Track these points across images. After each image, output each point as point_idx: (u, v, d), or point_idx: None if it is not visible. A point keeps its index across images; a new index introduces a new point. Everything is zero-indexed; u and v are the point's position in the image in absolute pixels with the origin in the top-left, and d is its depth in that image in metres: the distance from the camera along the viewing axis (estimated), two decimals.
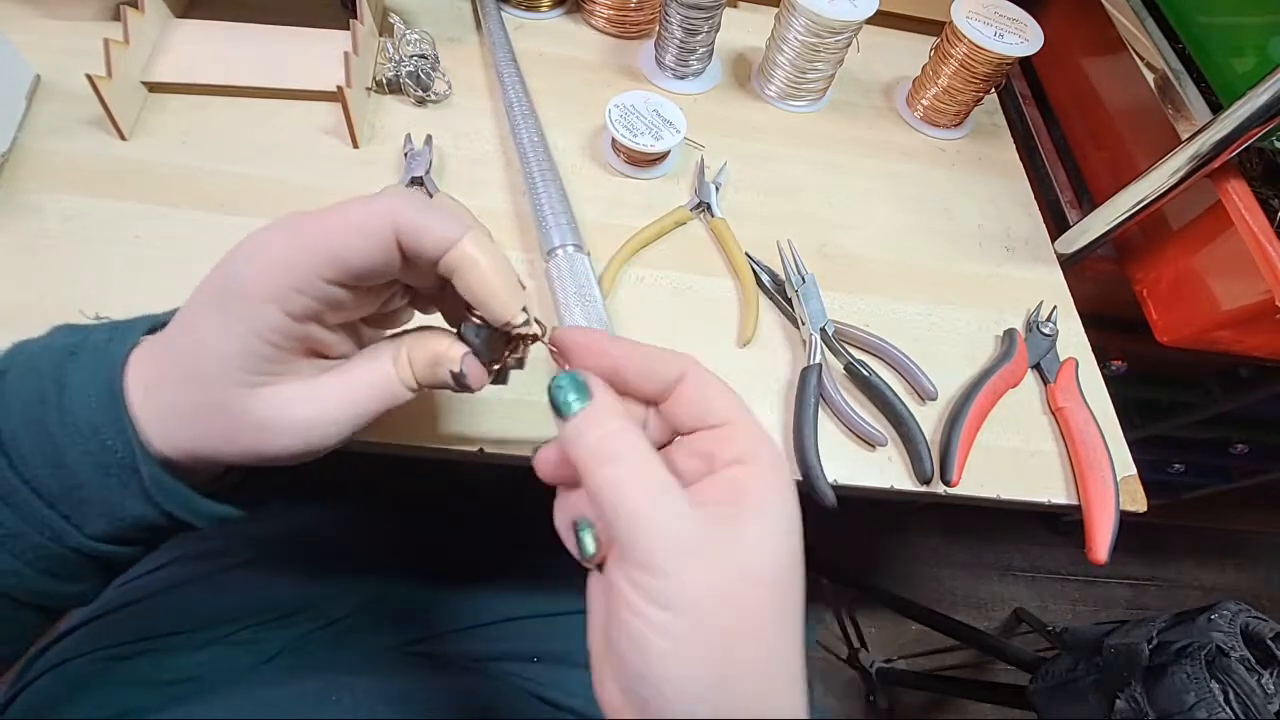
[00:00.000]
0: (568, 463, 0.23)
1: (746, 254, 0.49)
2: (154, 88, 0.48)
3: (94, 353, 0.25)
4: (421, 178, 0.47)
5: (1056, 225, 0.60)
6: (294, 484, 0.53)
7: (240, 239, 0.23)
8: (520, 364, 0.28)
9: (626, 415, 0.23)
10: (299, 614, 0.47)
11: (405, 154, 0.49)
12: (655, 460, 0.22)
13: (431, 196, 0.46)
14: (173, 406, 0.24)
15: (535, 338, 0.27)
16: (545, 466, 0.25)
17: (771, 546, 0.22)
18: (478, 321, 0.26)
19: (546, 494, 0.26)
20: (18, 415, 0.24)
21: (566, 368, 0.25)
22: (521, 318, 0.25)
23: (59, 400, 0.24)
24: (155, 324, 0.26)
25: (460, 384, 0.26)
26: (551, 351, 0.27)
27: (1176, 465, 1.01)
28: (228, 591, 0.47)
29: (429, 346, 0.26)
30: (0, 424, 0.23)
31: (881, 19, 0.62)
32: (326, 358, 0.27)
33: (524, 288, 0.26)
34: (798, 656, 0.22)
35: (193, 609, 0.46)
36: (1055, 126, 0.70)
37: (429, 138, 0.49)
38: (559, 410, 0.23)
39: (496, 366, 0.27)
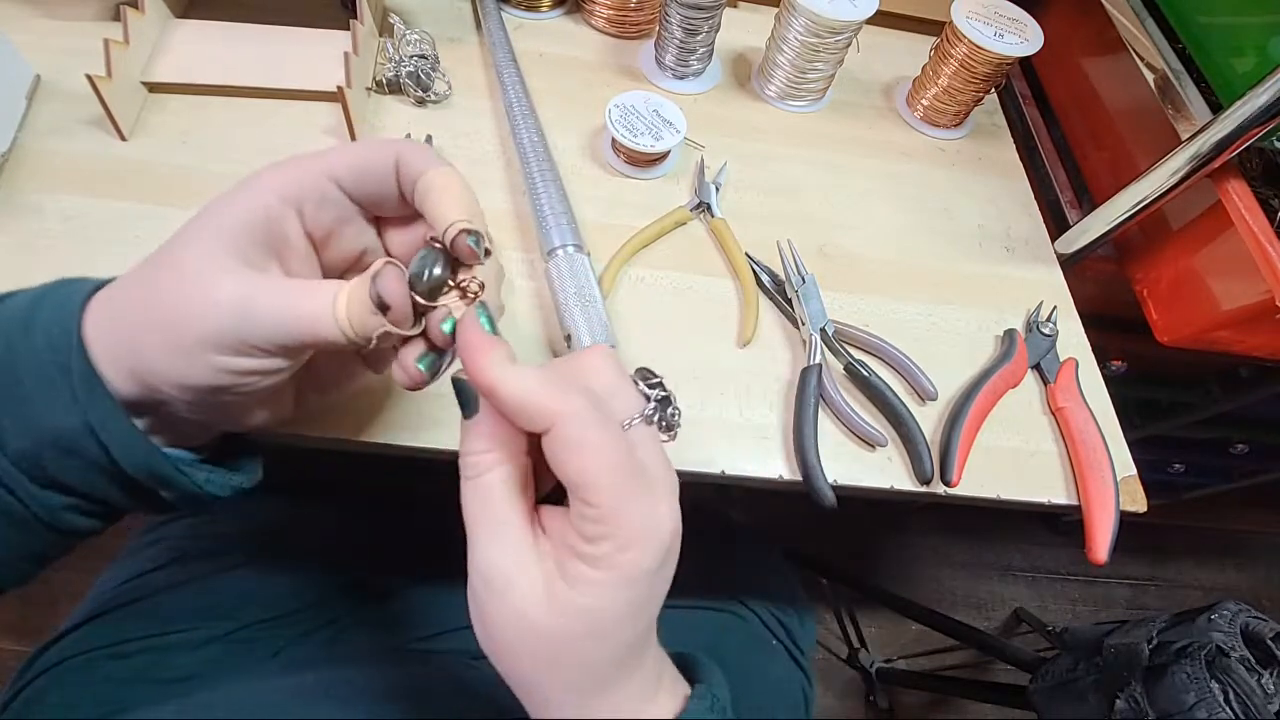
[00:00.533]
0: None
1: (746, 254, 0.49)
2: (154, 88, 0.48)
3: (85, 279, 0.26)
4: None
5: (1056, 225, 0.60)
6: (293, 484, 0.53)
7: None
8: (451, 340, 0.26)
9: (495, 444, 0.24)
10: (299, 612, 0.47)
11: None
12: (502, 498, 0.24)
13: None
14: (125, 280, 0.25)
15: (478, 287, 0.26)
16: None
17: (571, 617, 0.23)
18: (436, 247, 0.26)
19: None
20: None
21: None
22: (463, 223, 0.25)
23: (30, 311, 0.24)
24: None
25: (379, 304, 0.24)
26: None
27: (1176, 465, 1.01)
28: (228, 590, 0.47)
29: (366, 274, 0.25)
30: None
31: (881, 19, 0.62)
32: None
33: (490, 243, 0.26)
34: (592, 689, 0.24)
35: (193, 608, 0.46)
36: (1055, 126, 0.70)
37: (429, 138, 0.49)
38: (461, 405, 0.25)
39: (432, 304, 0.26)
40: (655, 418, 0.26)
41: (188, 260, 0.24)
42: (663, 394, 0.27)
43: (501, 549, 0.23)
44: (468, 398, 0.24)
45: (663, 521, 0.23)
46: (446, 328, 0.26)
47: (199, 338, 0.23)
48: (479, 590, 0.23)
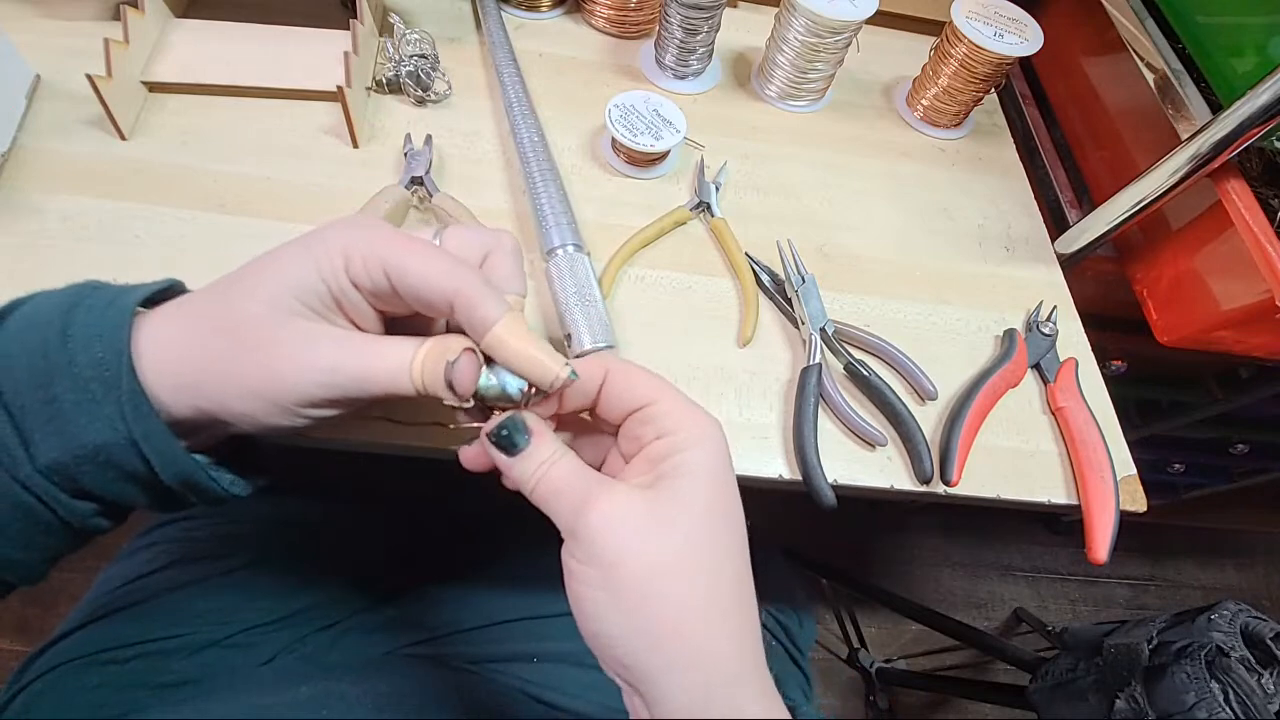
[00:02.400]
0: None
1: (746, 254, 0.49)
2: (154, 88, 0.48)
3: (124, 288, 0.26)
4: (421, 178, 0.47)
5: (1056, 225, 0.60)
6: (292, 486, 0.53)
7: (242, 240, 0.25)
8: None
9: (550, 444, 0.26)
10: (296, 616, 0.47)
11: (405, 154, 0.49)
12: (579, 465, 0.26)
13: (432, 197, 0.46)
14: (192, 316, 0.25)
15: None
16: (475, 462, 0.28)
17: (685, 502, 0.25)
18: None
19: None
20: (22, 334, 0.24)
21: (497, 413, 0.28)
22: (557, 383, 0.26)
23: (68, 316, 0.24)
24: None
25: (448, 379, 0.26)
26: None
27: (1176, 465, 1.01)
28: (226, 594, 0.47)
29: (447, 341, 0.26)
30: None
31: (881, 19, 0.62)
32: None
33: (566, 368, 0.26)
34: (727, 600, 0.25)
35: (191, 612, 0.46)
36: (1055, 126, 0.70)
37: (429, 138, 0.49)
38: (508, 450, 0.26)
39: (501, 410, 0.28)
40: None
41: (266, 330, 0.24)
42: None
43: (592, 485, 0.25)
44: (519, 432, 0.26)
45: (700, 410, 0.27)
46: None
47: (289, 401, 0.25)
48: (583, 529, 0.24)
